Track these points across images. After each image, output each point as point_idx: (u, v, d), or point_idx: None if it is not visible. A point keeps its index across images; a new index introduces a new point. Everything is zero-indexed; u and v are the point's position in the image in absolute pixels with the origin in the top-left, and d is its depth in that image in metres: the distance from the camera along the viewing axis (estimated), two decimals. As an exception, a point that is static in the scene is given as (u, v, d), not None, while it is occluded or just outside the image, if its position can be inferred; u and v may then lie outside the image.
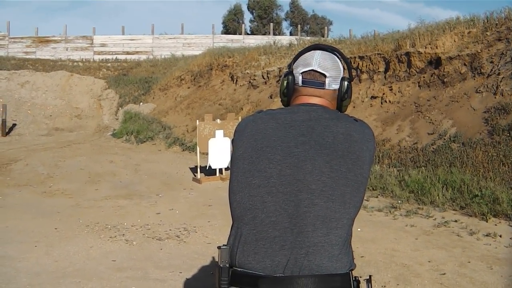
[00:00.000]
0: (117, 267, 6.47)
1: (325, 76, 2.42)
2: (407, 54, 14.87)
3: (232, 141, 2.43)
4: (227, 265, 2.19)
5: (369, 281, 2.29)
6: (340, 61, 2.51)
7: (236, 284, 2.17)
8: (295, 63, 2.49)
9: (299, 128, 2.29)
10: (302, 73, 2.44)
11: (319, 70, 2.42)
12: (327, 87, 2.43)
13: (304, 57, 2.47)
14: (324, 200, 2.15)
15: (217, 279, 2.21)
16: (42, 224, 8.48)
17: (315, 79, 2.42)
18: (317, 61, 2.43)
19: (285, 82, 2.48)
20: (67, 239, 7.71)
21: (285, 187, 2.18)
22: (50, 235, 7.91)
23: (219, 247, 2.22)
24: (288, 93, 2.49)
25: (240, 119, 2.69)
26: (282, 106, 2.56)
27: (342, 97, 2.49)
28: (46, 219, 8.80)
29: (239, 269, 2.17)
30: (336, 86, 2.45)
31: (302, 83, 2.44)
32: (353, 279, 2.18)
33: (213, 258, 6.67)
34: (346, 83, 2.48)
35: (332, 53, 2.49)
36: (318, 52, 2.47)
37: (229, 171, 2.49)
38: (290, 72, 2.48)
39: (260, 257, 2.13)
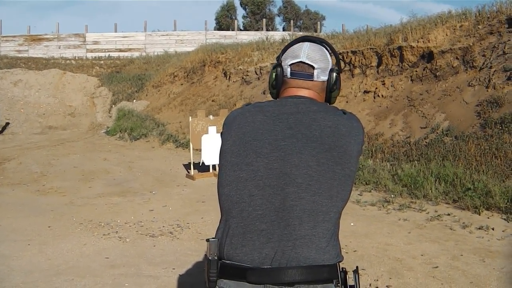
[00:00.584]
0: (111, 264, 6.48)
1: (313, 67, 2.41)
2: (400, 48, 14.90)
3: (221, 134, 2.42)
4: (216, 258, 2.20)
5: (356, 271, 2.30)
6: (329, 52, 2.50)
7: (225, 276, 2.17)
8: (284, 55, 2.48)
9: (287, 121, 2.28)
10: (290, 65, 2.42)
11: (307, 61, 2.40)
12: (315, 78, 2.41)
13: (292, 49, 2.46)
14: (310, 194, 2.16)
15: (206, 271, 2.22)
16: (36, 223, 8.48)
17: (303, 71, 2.41)
18: (306, 52, 2.41)
19: (273, 74, 2.48)
20: (61, 237, 7.71)
21: (272, 180, 2.18)
22: (43, 233, 7.91)
23: (207, 240, 2.23)
24: (277, 85, 2.48)
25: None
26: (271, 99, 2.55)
27: (331, 89, 2.47)
28: (40, 218, 8.80)
29: (227, 262, 2.18)
30: (324, 78, 2.44)
31: (291, 75, 2.42)
32: (340, 270, 2.19)
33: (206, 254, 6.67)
34: (334, 74, 2.46)
35: (321, 44, 2.48)
36: (306, 43, 2.45)
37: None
38: (278, 64, 2.47)
39: (248, 249, 2.14)
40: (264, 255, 2.11)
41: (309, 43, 2.46)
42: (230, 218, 2.22)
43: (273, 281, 2.08)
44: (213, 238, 2.24)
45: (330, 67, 2.46)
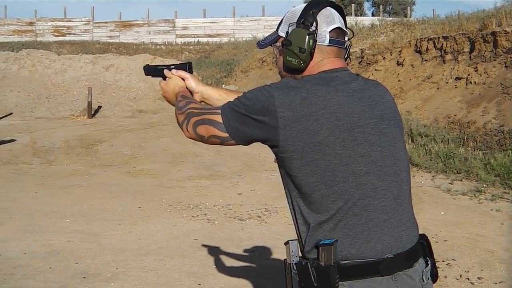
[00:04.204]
0: (199, 246, 6.53)
1: (345, 34, 2.22)
2: (493, 33, 14.40)
3: (279, 118, 2.00)
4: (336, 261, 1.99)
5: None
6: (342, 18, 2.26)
7: (348, 278, 1.99)
8: (318, 19, 2.13)
9: (363, 99, 2.09)
10: (330, 31, 2.15)
11: (342, 27, 2.19)
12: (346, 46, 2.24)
13: (324, 14, 2.15)
14: (407, 174, 2.17)
15: (322, 279, 1.99)
16: (126, 203, 8.65)
17: (339, 38, 2.19)
18: (337, 17, 2.18)
19: (310, 41, 2.11)
20: (150, 217, 7.84)
21: (389, 168, 2.07)
22: (133, 213, 8.06)
23: (326, 244, 1.99)
24: (313, 54, 2.16)
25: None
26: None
27: (347, 57, 2.28)
28: (130, 198, 8.98)
29: (346, 262, 2.00)
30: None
31: (330, 43, 2.15)
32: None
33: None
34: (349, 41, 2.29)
35: (339, 9, 2.23)
36: (330, 8, 2.18)
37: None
38: (312, 32, 2.13)
39: (372, 244, 2.01)
40: (387, 244, 2.03)
41: (330, 7, 2.19)
42: (349, 217, 2.01)
43: (405, 266, 2.05)
44: (334, 240, 1.98)
45: None
